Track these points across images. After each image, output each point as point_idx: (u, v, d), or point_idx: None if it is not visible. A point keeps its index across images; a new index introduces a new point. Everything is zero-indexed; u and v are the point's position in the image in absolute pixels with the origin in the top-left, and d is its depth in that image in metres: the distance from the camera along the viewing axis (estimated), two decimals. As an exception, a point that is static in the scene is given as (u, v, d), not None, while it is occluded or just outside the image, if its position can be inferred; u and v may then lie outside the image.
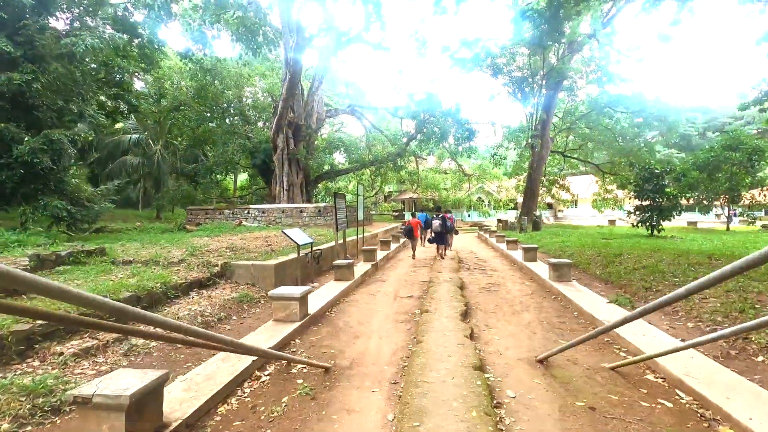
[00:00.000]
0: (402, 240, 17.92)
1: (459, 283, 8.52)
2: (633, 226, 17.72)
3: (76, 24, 21.72)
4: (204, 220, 21.86)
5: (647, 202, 16.76)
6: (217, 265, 7.65)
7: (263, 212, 21.31)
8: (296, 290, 5.66)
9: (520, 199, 41.44)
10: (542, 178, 25.93)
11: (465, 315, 5.97)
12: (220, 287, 7.18)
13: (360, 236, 14.03)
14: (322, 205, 20.84)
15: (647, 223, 16.54)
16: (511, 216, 42.51)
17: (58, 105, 11.11)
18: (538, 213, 19.89)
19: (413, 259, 13.49)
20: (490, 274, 10.26)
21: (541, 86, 24.40)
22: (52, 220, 11.10)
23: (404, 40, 48.17)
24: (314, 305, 6.34)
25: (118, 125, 33.96)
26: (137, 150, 32.87)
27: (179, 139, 26.97)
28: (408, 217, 41.90)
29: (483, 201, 40.31)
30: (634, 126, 24.08)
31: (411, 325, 5.75)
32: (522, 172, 29.14)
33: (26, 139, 9.99)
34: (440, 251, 13.34)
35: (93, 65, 23.11)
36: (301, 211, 20.83)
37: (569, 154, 27.93)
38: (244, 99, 28.08)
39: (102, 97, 25.38)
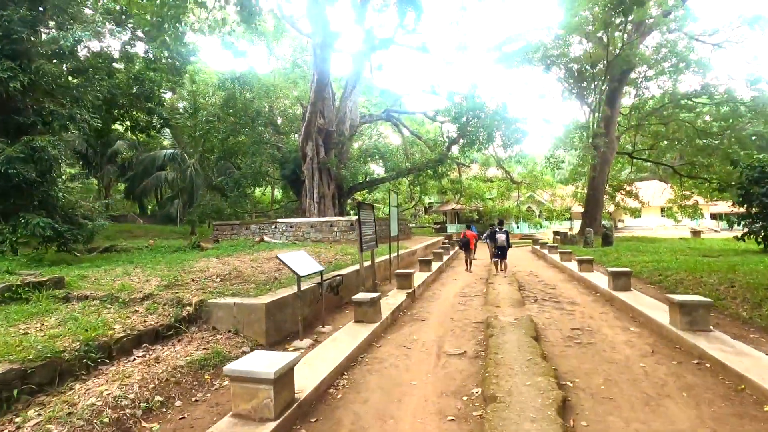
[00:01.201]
0: (445, 258, 15.38)
1: (530, 327, 5.91)
2: (737, 239, 14.12)
3: (106, 36, 21.18)
4: (230, 235, 20.43)
5: (755, 209, 13.22)
6: (189, 304, 5.55)
7: (291, 227, 19.51)
8: (272, 360, 3.37)
9: (576, 209, 37.37)
10: (606, 183, 22.47)
11: (563, 408, 3.42)
12: (186, 338, 5.04)
13: (394, 255, 11.67)
14: (355, 218, 18.70)
15: (760, 236, 12.99)
16: (567, 227, 38.53)
17: (47, 109, 9.72)
18: (607, 224, 16.64)
19: (468, 272, 13.16)
20: (569, 309, 7.52)
21: (603, 79, 21.19)
22: (39, 240, 9.62)
23: (443, 38, 46.01)
24: (311, 375, 4.03)
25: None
26: (174, 165, 32.65)
27: (212, 152, 26.04)
28: (454, 229, 39.06)
29: (533, 211, 36.78)
30: (720, 119, 20.22)
31: (468, 427, 3.29)
32: (581, 178, 25.70)
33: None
34: (499, 267, 12.26)
35: (128, 79, 22.68)
36: (332, 225, 18.81)
37: (637, 156, 24.20)
38: (275, 109, 26.82)
39: (136, 113, 25.05)
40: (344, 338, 5.43)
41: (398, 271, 9.24)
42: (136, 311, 5.34)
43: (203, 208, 25.35)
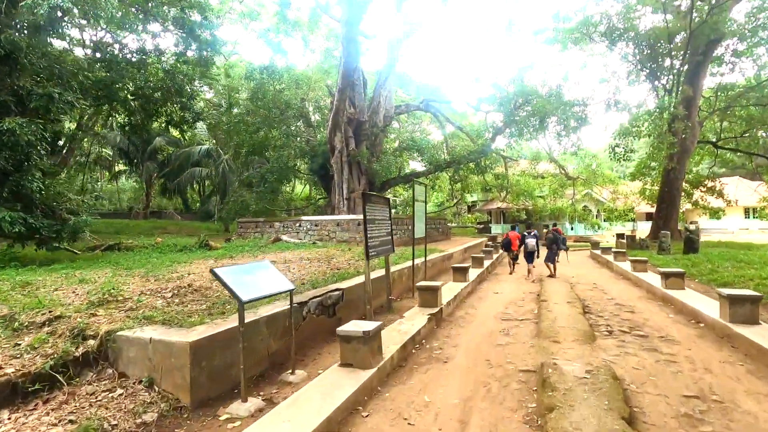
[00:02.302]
0: (487, 263, 13.02)
1: (614, 391, 3.64)
2: None
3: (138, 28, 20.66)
4: (254, 233, 19.20)
5: None
6: (94, 337, 3.81)
7: (316, 225, 17.92)
8: None
9: (642, 208, 32.98)
10: (684, 178, 18.91)
11: None
12: (62, 396, 3.28)
13: (421, 261, 9.59)
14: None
15: None
16: (629, 229, 34.30)
17: (26, 88, 8.56)
18: (692, 226, 13.50)
19: (511, 275, 12.60)
20: (667, 352, 5.08)
21: (683, 54, 17.74)
22: (15, 236, 8.48)
23: (487, 18, 42.66)
24: None
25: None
26: (209, 161, 32.34)
27: (243, 147, 25.14)
28: (499, 230, 36.08)
29: (590, 211, 33.02)
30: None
31: None
32: (650, 173, 22.14)
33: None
34: (531, 273, 11.85)
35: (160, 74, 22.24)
36: (359, 224, 16.95)
37: (723, 145, 20.28)
38: (308, 102, 25.43)
39: (171, 108, 24.66)
40: (313, 398, 3.45)
41: (421, 283, 7.14)
42: (18, 344, 3.67)
43: (233, 205, 24.48)
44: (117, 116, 25.69)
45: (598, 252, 17.18)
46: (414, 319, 6.19)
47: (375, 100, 22.04)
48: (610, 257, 15.08)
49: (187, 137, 37.48)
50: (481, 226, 31.36)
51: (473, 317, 7.08)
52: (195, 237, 21.31)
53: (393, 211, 39.93)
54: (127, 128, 26.59)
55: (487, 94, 22.00)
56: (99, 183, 40.18)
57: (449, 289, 8.61)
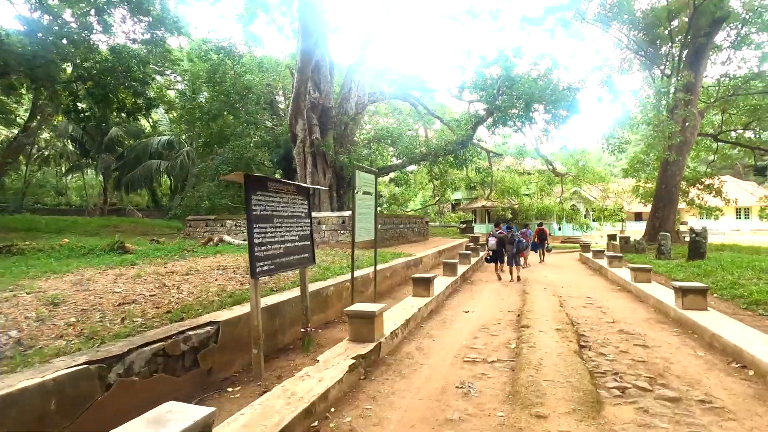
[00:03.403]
0: (462, 269, 10.96)
1: None
2: None
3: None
4: (203, 232, 16.95)
5: None
6: None
7: (272, 224, 15.64)
8: None
9: (634, 208, 31.37)
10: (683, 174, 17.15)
11: None
12: None
13: (359, 275, 7.52)
14: (347, 213, 14.62)
15: None
16: (618, 230, 32.68)
17: None
18: (699, 227, 11.66)
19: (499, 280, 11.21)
20: (723, 439, 3.07)
21: (684, 35, 15.97)
22: None
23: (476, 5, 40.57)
24: None
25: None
26: (170, 153, 29.78)
27: (200, 136, 22.75)
28: (484, 229, 34.22)
29: (578, 210, 31.34)
30: None
31: None
32: (644, 168, 20.41)
33: None
34: (501, 270, 11.51)
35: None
36: (320, 223, 14.83)
37: (724, 138, 18.57)
38: (273, 89, 23.11)
39: (122, 94, 22.24)
40: None
41: (352, 308, 5.03)
42: None
43: (188, 201, 22.10)
44: (62, 102, 23.02)
45: (589, 255, 15.31)
46: (329, 367, 4.08)
47: (346, 85, 19.88)
48: (603, 262, 13.20)
49: (149, 127, 34.90)
50: (464, 225, 29.48)
51: (425, 356, 4.99)
52: (150, 236, 18.96)
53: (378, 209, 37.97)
54: (73, 115, 24.10)
55: (470, 82, 20.00)
56: (55, 177, 37.24)
57: (402, 310, 6.53)
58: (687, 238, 19.51)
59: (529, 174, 28.49)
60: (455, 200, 39.68)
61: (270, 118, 21.96)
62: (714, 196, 20.22)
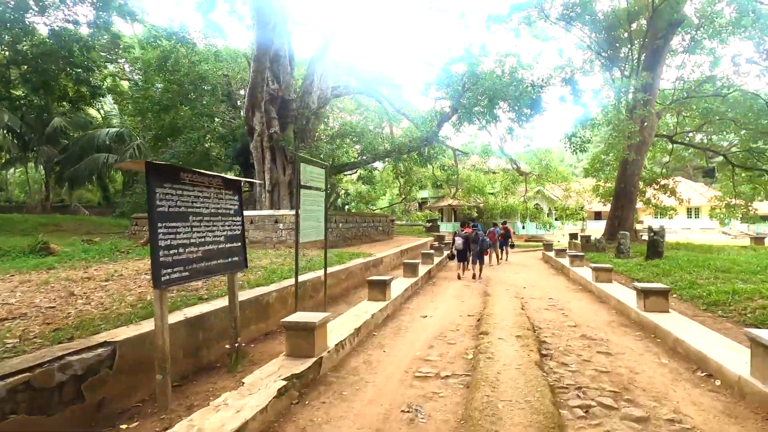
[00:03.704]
0: (424, 270, 10.51)
1: None
2: None
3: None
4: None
5: None
6: None
7: (226, 222, 14.70)
8: None
9: (594, 207, 32.12)
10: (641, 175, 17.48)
11: None
12: None
13: (304, 279, 6.91)
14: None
15: None
16: (579, 228, 33.44)
17: None
18: (657, 226, 11.74)
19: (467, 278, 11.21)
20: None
21: (643, 38, 16.24)
22: None
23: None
24: None
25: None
26: (120, 147, 27.85)
27: (150, 129, 21.27)
28: (451, 228, 34.16)
29: (541, 209, 31.81)
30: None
31: None
32: (604, 168, 20.77)
33: None
34: (465, 269, 11.51)
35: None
36: (276, 221, 14.05)
37: (679, 140, 19.12)
38: (232, 80, 21.92)
39: (65, 82, 20.52)
40: None
41: (289, 318, 4.40)
42: None
43: (137, 197, 20.65)
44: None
45: (552, 254, 15.29)
46: (255, 391, 3.45)
47: (308, 78, 19.08)
48: (565, 261, 13.12)
49: (99, 119, 32.62)
50: (430, 224, 29.28)
51: (373, 372, 4.43)
52: (95, 235, 17.48)
53: (346, 207, 36.66)
54: (6, 103, 22.05)
55: (436, 79, 19.64)
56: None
57: (354, 317, 5.95)
58: (644, 237, 20.03)
59: (494, 173, 28.60)
60: (422, 199, 39.53)
61: (227, 111, 20.80)
62: (669, 196, 20.85)
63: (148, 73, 20.78)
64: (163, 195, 3.34)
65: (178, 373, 3.99)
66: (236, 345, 4.26)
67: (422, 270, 10.90)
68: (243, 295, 5.33)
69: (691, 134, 19.29)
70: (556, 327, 6.17)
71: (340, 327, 5.43)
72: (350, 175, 34.30)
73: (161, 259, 3.24)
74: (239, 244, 4.41)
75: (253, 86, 15.35)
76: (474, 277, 11.11)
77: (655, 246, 11.46)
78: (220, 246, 4.07)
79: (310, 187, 5.94)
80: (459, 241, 11.13)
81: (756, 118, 15.88)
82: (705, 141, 19.21)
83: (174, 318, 4.10)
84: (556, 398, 3.68)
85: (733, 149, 18.69)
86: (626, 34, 16.95)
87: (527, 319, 6.55)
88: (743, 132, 17.55)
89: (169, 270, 3.34)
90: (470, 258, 11.48)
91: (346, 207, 37.66)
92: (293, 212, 14.19)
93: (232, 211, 4.28)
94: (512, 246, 17.03)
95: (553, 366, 4.53)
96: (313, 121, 19.09)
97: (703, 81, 17.51)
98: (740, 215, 20.02)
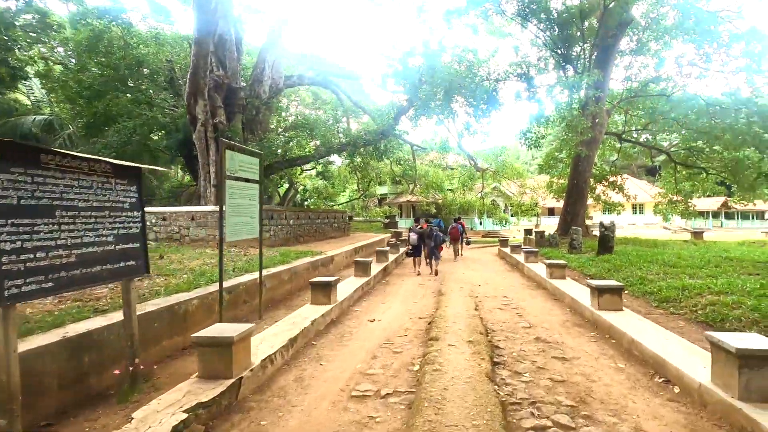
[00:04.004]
0: (378, 268, 9.98)
1: None
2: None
3: None
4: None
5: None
6: None
7: (164, 219, 13.63)
8: None
9: (548, 203, 32.98)
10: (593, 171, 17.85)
11: None
12: None
13: (236, 282, 6.20)
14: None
15: None
16: (533, 224, 34.26)
17: None
18: (608, 222, 11.85)
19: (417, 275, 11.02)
20: None
21: (595, 37, 16.51)
22: None
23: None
24: None
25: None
26: (50, 136, 25.32)
27: (81, 116, 19.32)
28: (410, 224, 33.95)
29: (497, 205, 32.26)
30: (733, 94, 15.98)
31: None
32: (557, 165, 21.16)
33: None
34: (419, 266, 11.39)
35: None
36: (222, 218, 12.98)
37: (628, 138, 19.77)
38: (176, 66, 20.35)
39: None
40: None
41: (201, 333, 3.69)
42: None
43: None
44: None
45: (507, 250, 15.23)
46: (145, 429, 2.73)
47: (258, 66, 18.03)
48: (520, 257, 13.04)
49: (29, 105, 29.57)
50: (388, 220, 28.88)
51: (303, 392, 3.81)
52: None
53: (306, 203, 35.27)
54: None
55: (393, 72, 19.13)
56: None
57: (290, 325, 5.30)
58: (595, 233, 20.59)
59: (452, 169, 28.57)
60: (381, 195, 39.09)
61: (170, 99, 19.27)
62: (617, 192, 21.56)
63: (79, 55, 18.85)
64: (11, 183, 2.54)
65: (52, 408, 3.18)
66: (131, 368, 3.49)
67: (375, 269, 10.37)
68: (153, 305, 4.54)
69: (637, 133, 20.00)
70: (510, 329, 5.81)
71: (272, 338, 4.76)
72: (310, 171, 33.28)
73: (4, 267, 2.45)
74: (138, 245, 3.63)
75: (194, 71, 14.16)
76: (431, 272, 10.95)
77: (605, 241, 11.56)
78: (107, 248, 3.29)
79: (239, 179, 5.20)
80: (413, 236, 11.18)
81: (696, 118, 16.57)
82: (650, 140, 20.01)
83: (47, 338, 3.28)
84: (508, 419, 3.23)
85: (673, 148, 19.57)
86: (579, 33, 17.17)
87: (480, 320, 6.16)
88: (684, 131, 18.31)
89: (19, 281, 2.55)
90: (425, 253, 11.40)
91: (306, 203, 36.57)
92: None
93: (126, 205, 3.50)
94: (468, 242, 17.14)
95: (505, 376, 4.11)
96: (264, 111, 18.06)
97: (649, 81, 18.11)
98: (680, 211, 21.02)
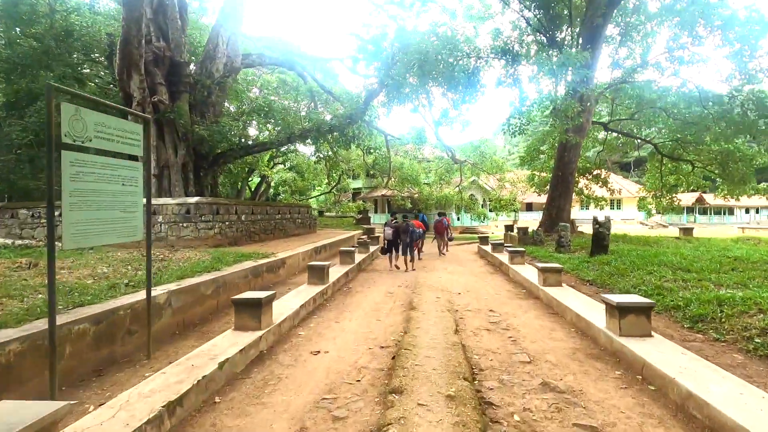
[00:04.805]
0: (341, 272, 8.24)
1: None
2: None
3: None
4: (-17, 227, 11.94)
5: None
6: None
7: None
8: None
9: (526, 198, 31.88)
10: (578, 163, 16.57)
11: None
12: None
13: (179, 286, 4.32)
14: (192, 200, 11.00)
15: None
16: (512, 220, 33.18)
17: None
18: (602, 218, 10.47)
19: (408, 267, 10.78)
20: None
21: (584, 15, 15.16)
22: None
23: None
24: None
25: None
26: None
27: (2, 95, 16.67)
28: (385, 219, 32.26)
29: (475, 200, 30.96)
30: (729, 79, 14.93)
31: None
32: (538, 157, 19.89)
33: None
34: (396, 261, 11.00)
35: None
36: (155, 213, 10.98)
37: (614, 128, 18.61)
38: (114, 37, 17.88)
39: None
40: None
41: None
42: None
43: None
44: None
45: (488, 249, 13.76)
46: None
47: (211, 41, 15.90)
48: (503, 257, 11.56)
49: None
50: (360, 216, 27.12)
51: None
52: None
53: (279, 197, 32.90)
54: None
55: (365, 52, 17.30)
56: None
57: (184, 373, 3.51)
58: (581, 229, 19.46)
59: (429, 161, 27.04)
60: (355, 189, 37.25)
61: (108, 76, 16.85)
62: (600, 186, 20.51)
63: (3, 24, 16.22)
64: None
65: None
66: None
67: (335, 274, 8.64)
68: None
69: (622, 123, 18.91)
70: (504, 366, 4.20)
71: (140, 402, 2.96)
72: (281, 164, 31.05)
73: None
74: None
75: (126, 38, 11.97)
76: (406, 269, 10.69)
77: (600, 239, 10.18)
78: None
79: (89, 150, 3.35)
80: (388, 231, 10.97)
81: (686, 107, 15.50)
82: (635, 131, 18.99)
83: None
84: None
85: (657, 140, 18.53)
86: (567, 12, 15.78)
87: (463, 352, 4.52)
88: (671, 121, 17.25)
89: None
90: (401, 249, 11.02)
91: (279, 198, 34.35)
92: (175, 201, 11.22)
93: None
94: (450, 239, 16.00)
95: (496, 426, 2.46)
96: (217, 92, 15.91)
97: (637, 66, 16.95)
98: (664, 206, 20.13)
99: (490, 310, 6.57)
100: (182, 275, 5.86)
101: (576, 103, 12.20)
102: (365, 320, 6.05)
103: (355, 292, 8.22)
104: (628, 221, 37.19)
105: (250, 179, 30.68)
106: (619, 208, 40.03)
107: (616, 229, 28.73)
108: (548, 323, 5.79)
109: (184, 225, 10.72)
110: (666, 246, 12.34)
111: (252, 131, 16.06)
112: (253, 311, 4.85)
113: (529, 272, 9.03)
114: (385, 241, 11.11)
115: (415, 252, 12.01)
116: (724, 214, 45.03)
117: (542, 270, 7.51)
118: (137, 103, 13.06)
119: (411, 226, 10.95)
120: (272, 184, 33.98)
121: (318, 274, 7.72)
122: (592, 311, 5.51)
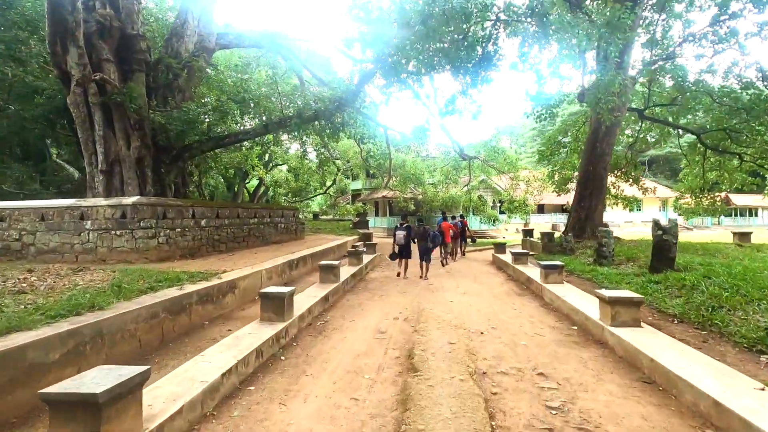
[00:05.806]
0: (326, 291, 5.75)
1: None
2: None
3: None
4: None
5: None
6: None
7: (0, 219, 9.08)
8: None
9: (546, 200, 28.85)
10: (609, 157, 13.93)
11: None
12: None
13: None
14: (129, 201, 8.56)
15: None
16: (534, 223, 30.48)
17: None
18: (663, 221, 7.87)
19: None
20: None
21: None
22: None
23: None
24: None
25: None
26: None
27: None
28: (385, 224, 29.76)
29: (485, 201, 28.35)
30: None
31: None
32: (560, 151, 17.35)
33: None
34: (402, 270, 10.19)
35: None
36: (82, 218, 8.57)
37: (650, 115, 15.99)
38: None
39: None
40: None
41: None
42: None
43: None
44: None
45: (507, 259, 11.22)
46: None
47: (180, 16, 13.63)
48: (530, 272, 9.06)
49: None
50: (357, 219, 24.69)
51: None
52: None
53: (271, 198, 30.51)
54: None
55: (359, 35, 14.83)
56: None
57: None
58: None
59: (433, 158, 24.55)
60: (355, 191, 34.75)
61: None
62: (631, 184, 17.89)
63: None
64: None
65: None
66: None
67: (306, 301, 6.14)
68: None
69: (660, 109, 16.32)
70: None
71: None
72: (281, 165, 28.57)
73: None
74: None
75: (57, 2, 9.58)
76: (421, 275, 9.94)
77: (664, 250, 7.61)
78: None
79: None
80: (400, 234, 10.16)
81: (744, 88, 12.91)
82: (672, 120, 16.41)
83: None
84: None
85: (698, 129, 15.83)
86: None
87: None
88: (717, 108, 14.60)
89: None
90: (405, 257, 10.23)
91: (279, 201, 31.88)
92: (108, 202, 8.77)
93: None
94: (474, 240, 16.11)
95: None
96: (185, 76, 13.49)
97: (682, 42, 14.35)
98: (705, 207, 17.50)
99: (539, 374, 4.04)
100: (15, 324, 3.39)
101: (617, 73, 9.66)
102: (330, 400, 3.54)
103: (332, 329, 5.70)
104: (648, 224, 34.45)
105: (247, 181, 28.27)
106: (639, 209, 37.28)
107: (633, 231, 26.08)
108: (652, 410, 3.24)
109: (118, 233, 8.27)
110: (735, 257, 9.74)
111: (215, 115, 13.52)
112: (90, 418, 2.36)
113: (574, 297, 6.51)
114: (396, 246, 10.33)
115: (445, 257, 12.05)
116: (749, 215, 42.17)
117: (610, 302, 4.96)
118: (76, 83, 10.63)
119: (430, 230, 10.56)
120: (266, 184, 31.56)
121: (274, 306, 5.23)
122: (731, 388, 2.99)
